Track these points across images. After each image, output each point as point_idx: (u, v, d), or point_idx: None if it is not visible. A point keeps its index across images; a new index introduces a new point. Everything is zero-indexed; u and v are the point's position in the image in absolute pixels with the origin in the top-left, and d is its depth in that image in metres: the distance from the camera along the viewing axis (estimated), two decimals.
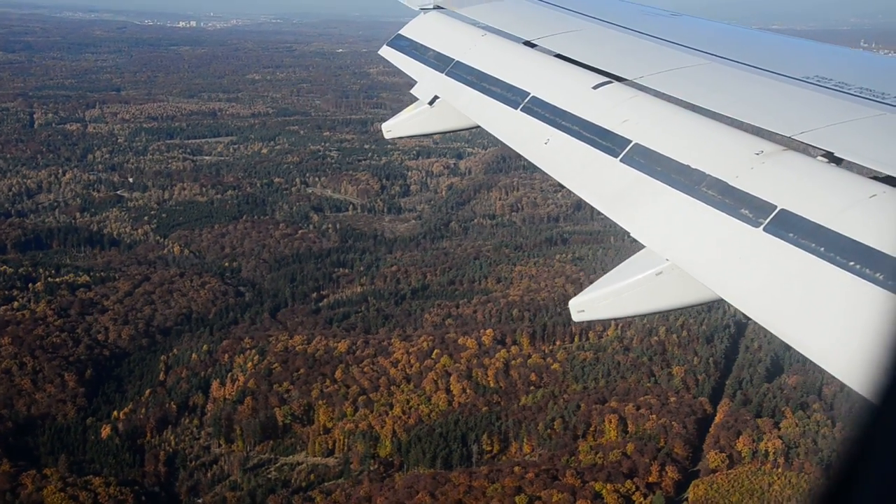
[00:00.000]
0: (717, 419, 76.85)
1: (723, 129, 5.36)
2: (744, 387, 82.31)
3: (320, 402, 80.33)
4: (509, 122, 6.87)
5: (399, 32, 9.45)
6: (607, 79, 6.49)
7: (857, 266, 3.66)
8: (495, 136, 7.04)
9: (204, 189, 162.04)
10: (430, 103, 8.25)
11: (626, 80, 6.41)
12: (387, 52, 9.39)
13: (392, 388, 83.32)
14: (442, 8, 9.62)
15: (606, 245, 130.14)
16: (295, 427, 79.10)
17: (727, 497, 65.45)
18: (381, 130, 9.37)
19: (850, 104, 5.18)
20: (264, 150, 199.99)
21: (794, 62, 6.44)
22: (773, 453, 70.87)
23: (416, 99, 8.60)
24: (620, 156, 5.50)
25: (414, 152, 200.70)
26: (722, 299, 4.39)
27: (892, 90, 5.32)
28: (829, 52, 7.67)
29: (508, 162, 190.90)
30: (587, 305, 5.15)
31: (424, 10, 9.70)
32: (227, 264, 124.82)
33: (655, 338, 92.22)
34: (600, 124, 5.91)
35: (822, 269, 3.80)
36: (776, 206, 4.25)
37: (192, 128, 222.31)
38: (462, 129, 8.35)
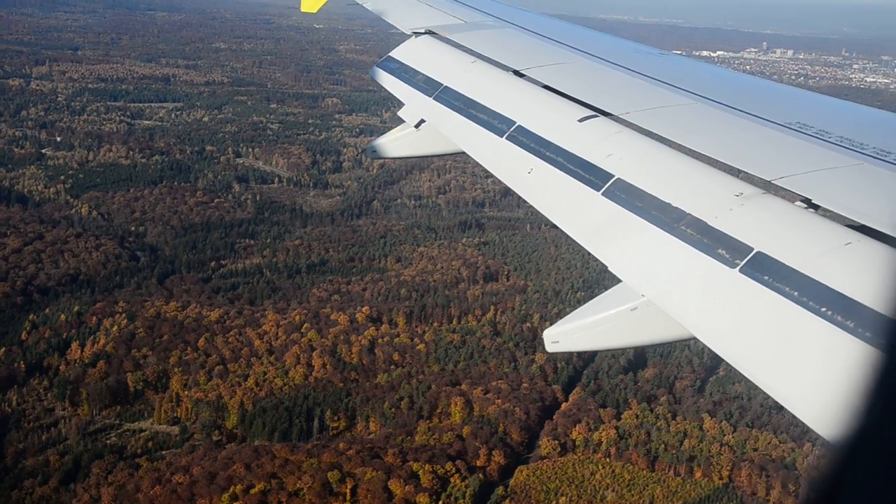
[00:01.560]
0: (563, 407, 77.18)
1: (705, 169, 5.39)
2: (600, 377, 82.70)
3: (176, 369, 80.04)
4: (494, 149, 6.88)
5: (389, 54, 9.48)
6: (593, 112, 6.56)
7: (830, 313, 3.69)
8: (479, 162, 7.06)
9: (131, 153, 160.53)
10: (417, 126, 8.29)
11: (611, 114, 6.45)
12: (376, 73, 9.41)
13: (253, 359, 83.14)
14: (434, 33, 9.64)
15: (521, 232, 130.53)
16: (148, 394, 78.76)
17: (546, 484, 65.83)
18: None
19: (830, 152, 5.27)
20: (206, 119, 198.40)
21: (778, 107, 6.51)
22: (606, 443, 71.33)
23: (402, 121, 8.66)
24: (602, 189, 5.55)
25: (357, 130, 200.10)
26: (695, 338, 4.35)
27: (870, 141, 5.42)
28: (813, 100, 7.85)
29: None
30: (562, 336, 5.24)
31: (416, 33, 9.75)
32: (132, 228, 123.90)
33: (528, 324, 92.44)
34: (584, 157, 5.96)
35: (795, 313, 3.82)
36: (753, 249, 4.28)
37: (140, 91, 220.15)
38: (447, 154, 8.31)
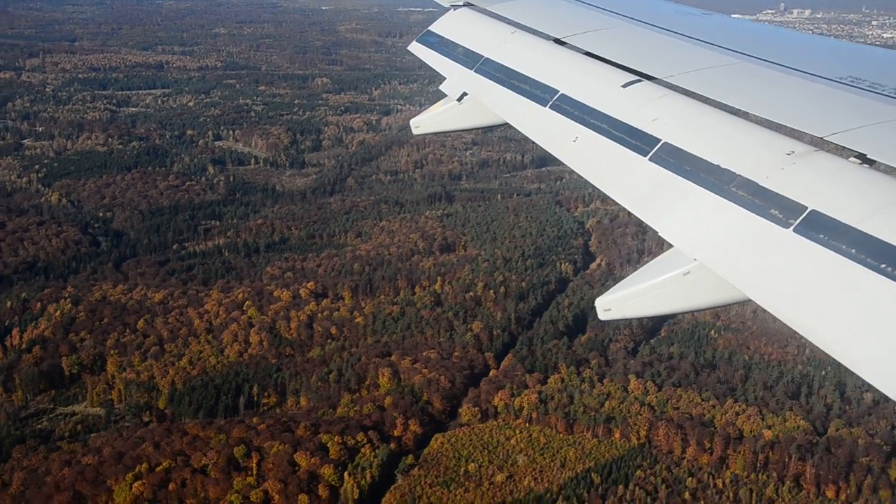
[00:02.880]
0: (491, 374, 76.98)
1: (753, 129, 5.37)
2: (534, 343, 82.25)
3: (113, 351, 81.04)
4: (538, 119, 6.91)
5: (429, 28, 9.52)
6: (637, 77, 6.52)
7: (890, 269, 3.67)
8: (524, 133, 7.07)
9: (109, 140, 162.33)
10: (459, 100, 8.25)
11: (655, 78, 6.43)
12: (416, 48, 9.40)
13: (190, 338, 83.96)
14: (472, 5, 9.64)
15: (486, 203, 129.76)
16: (84, 377, 79.84)
17: (459, 450, 65.89)
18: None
19: (885, 105, 5.18)
20: (191, 103, 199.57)
21: (827, 62, 6.43)
22: (527, 408, 71.10)
23: (444, 95, 8.63)
24: (649, 155, 5.54)
25: (342, 108, 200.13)
26: (750, 300, 4.42)
27: None
28: (863, 52, 7.73)
29: None
30: (614, 304, 5.19)
31: (455, 6, 9.73)
32: (100, 214, 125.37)
33: (471, 293, 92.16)
34: (629, 123, 5.95)
35: (852, 271, 3.81)
36: (807, 207, 4.26)
37: (130, 79, 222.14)
38: (491, 126, 8.33)
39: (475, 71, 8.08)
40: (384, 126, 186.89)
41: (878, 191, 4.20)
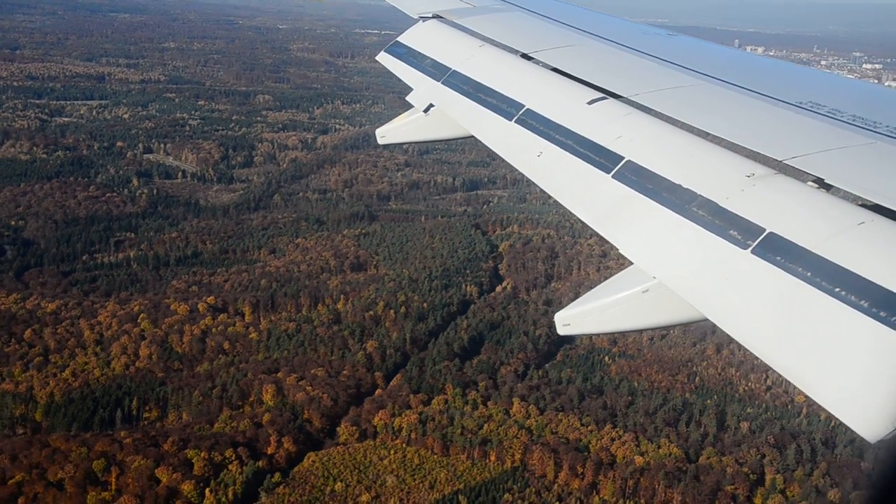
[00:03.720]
0: (376, 393, 76.44)
1: (715, 150, 5.35)
2: (425, 363, 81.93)
3: None
4: (503, 133, 6.84)
5: (397, 39, 9.40)
6: (602, 95, 6.51)
7: (843, 293, 3.66)
8: (489, 146, 6.97)
9: (34, 148, 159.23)
10: (425, 111, 8.18)
11: (621, 96, 6.40)
12: (384, 59, 9.30)
13: (77, 350, 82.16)
14: (441, 17, 9.59)
15: (405, 224, 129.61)
16: None
17: (330, 469, 65.05)
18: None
19: (842, 131, 5.24)
20: (126, 115, 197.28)
21: (789, 87, 6.46)
22: (406, 428, 70.60)
23: (411, 105, 8.56)
24: (612, 172, 5.51)
25: (279, 126, 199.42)
26: (707, 319, 4.32)
27: (883, 119, 5.39)
28: (824, 78, 7.94)
29: (370, 140, 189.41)
30: (573, 319, 5.12)
31: (423, 18, 9.68)
32: (12, 223, 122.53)
33: (371, 313, 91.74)
34: (594, 139, 5.93)
35: (807, 293, 3.79)
36: (765, 229, 4.25)
37: (68, 90, 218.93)
38: (456, 138, 8.18)
39: (442, 83, 8.12)
40: (319, 145, 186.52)
41: (834, 215, 4.23)
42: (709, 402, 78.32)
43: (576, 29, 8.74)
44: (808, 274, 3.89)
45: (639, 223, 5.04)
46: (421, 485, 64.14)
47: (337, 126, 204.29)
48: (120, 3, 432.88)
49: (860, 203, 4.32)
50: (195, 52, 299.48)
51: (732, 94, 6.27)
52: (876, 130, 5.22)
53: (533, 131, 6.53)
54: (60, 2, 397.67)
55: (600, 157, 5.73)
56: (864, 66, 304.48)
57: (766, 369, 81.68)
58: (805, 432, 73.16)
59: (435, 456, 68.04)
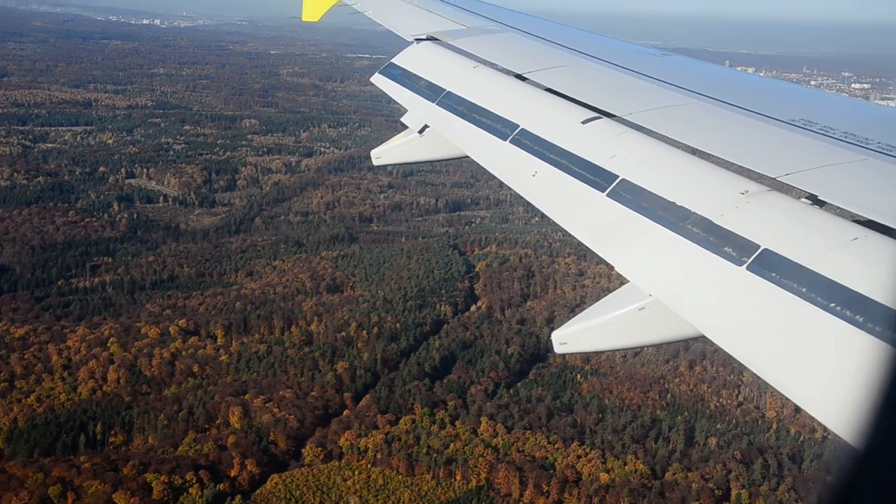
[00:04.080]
0: (344, 414, 75.96)
1: (709, 167, 5.38)
2: (395, 384, 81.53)
3: None
4: (498, 153, 6.89)
5: (392, 61, 9.48)
6: (596, 114, 6.56)
7: (839, 308, 3.69)
8: (484, 166, 7.03)
9: (15, 174, 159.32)
10: (420, 132, 8.24)
11: (615, 116, 6.46)
12: (378, 80, 9.35)
13: (44, 375, 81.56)
14: (435, 39, 9.66)
15: (389, 246, 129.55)
16: None
17: (293, 491, 64.50)
18: (369, 154, 8.83)
19: (835, 148, 5.29)
20: (111, 141, 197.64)
21: (782, 105, 6.56)
22: (372, 449, 70.11)
23: (405, 127, 8.60)
24: (607, 191, 5.55)
25: (264, 149, 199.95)
26: (703, 336, 4.34)
27: (875, 136, 5.44)
28: (816, 96, 7.88)
29: (354, 162, 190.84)
30: (569, 338, 5.15)
31: (418, 39, 9.72)
32: None
33: (343, 334, 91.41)
34: (588, 159, 5.97)
35: (803, 309, 3.83)
36: (760, 246, 4.29)
37: (53, 116, 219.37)
38: (451, 159, 8.21)
39: (437, 104, 8.16)
40: (303, 168, 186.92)
41: (828, 231, 4.26)
42: (679, 418, 77.91)
43: (570, 49, 8.80)
44: (804, 290, 3.93)
45: (634, 241, 5.07)
46: None
47: (322, 149, 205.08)
48: (112, 30, 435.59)
49: (854, 219, 4.34)
50: (184, 77, 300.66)
51: (726, 112, 6.34)
52: (867, 147, 5.27)
53: (528, 151, 6.59)
54: (52, 30, 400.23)
55: (595, 176, 5.78)
56: (852, 85, 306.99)
57: (738, 385, 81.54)
58: (773, 447, 72.74)
59: (400, 476, 67.47)
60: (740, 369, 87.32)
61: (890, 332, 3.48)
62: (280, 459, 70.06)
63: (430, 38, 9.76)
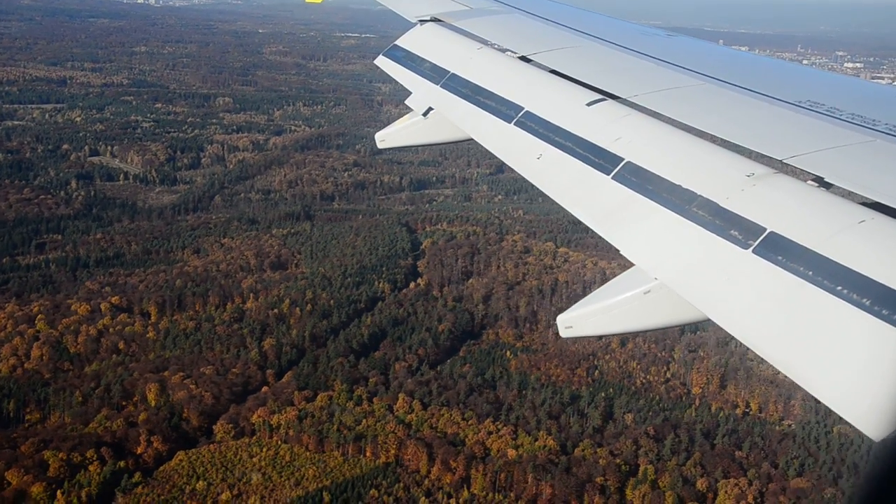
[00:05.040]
0: (262, 391, 75.45)
1: (715, 150, 5.35)
2: (320, 360, 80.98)
3: None
4: (503, 135, 6.84)
5: (395, 43, 9.38)
6: (601, 96, 6.50)
7: (845, 291, 3.68)
8: (488, 149, 6.97)
9: None
10: (425, 115, 8.17)
11: (620, 98, 6.40)
12: (382, 62, 9.26)
13: None
14: (439, 20, 9.59)
15: (344, 223, 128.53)
16: None
17: (196, 468, 64.11)
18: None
19: (841, 130, 5.24)
20: (79, 119, 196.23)
21: (788, 86, 6.45)
22: (284, 425, 69.63)
23: (410, 109, 8.55)
24: (612, 173, 5.52)
25: (234, 127, 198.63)
26: (709, 319, 4.31)
27: (882, 117, 5.39)
28: (822, 77, 7.92)
29: (323, 140, 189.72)
30: (575, 321, 5.11)
31: (422, 21, 9.63)
32: None
33: (276, 311, 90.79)
34: (593, 141, 5.93)
35: (809, 292, 3.82)
36: (766, 229, 4.27)
37: (25, 93, 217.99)
38: (455, 141, 8.16)
39: (441, 86, 8.07)
40: (271, 146, 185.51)
41: (834, 214, 4.24)
42: (602, 394, 77.34)
43: (573, 30, 8.69)
44: (810, 273, 3.89)
45: (639, 224, 5.03)
46: (287, 482, 63.16)
47: (293, 127, 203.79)
48: (102, 9, 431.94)
49: (860, 201, 4.30)
50: (165, 55, 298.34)
51: (731, 94, 6.24)
52: (875, 128, 5.19)
53: (532, 133, 6.51)
54: (41, 8, 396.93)
55: (600, 159, 5.71)
56: (845, 65, 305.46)
57: (668, 362, 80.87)
58: (688, 423, 72.18)
59: (308, 453, 67.07)
60: (672, 346, 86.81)
61: None
62: (191, 436, 69.60)
63: (434, 20, 9.65)
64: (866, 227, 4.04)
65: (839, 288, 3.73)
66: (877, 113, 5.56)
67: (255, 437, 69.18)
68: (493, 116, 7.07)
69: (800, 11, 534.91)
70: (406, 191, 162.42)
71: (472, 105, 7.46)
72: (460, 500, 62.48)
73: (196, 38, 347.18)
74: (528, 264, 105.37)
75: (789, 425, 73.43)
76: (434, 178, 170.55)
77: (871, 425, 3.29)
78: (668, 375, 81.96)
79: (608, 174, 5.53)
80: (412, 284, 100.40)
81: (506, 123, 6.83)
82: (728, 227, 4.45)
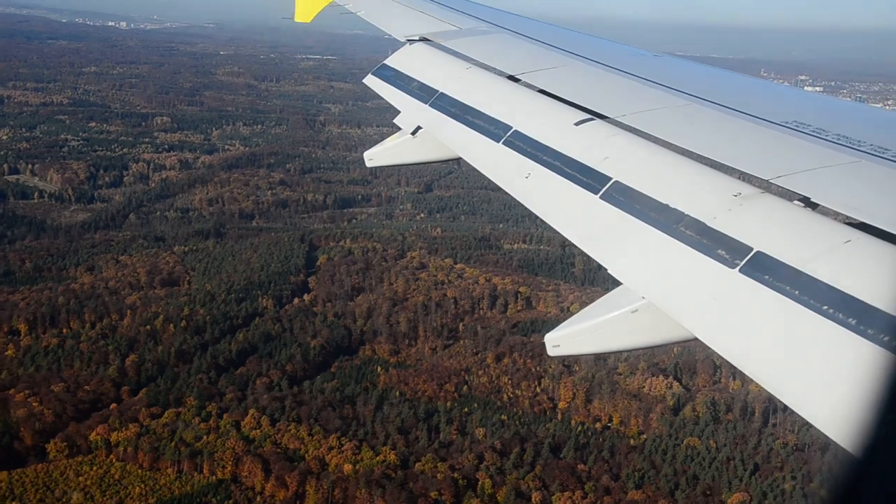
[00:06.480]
0: (111, 408, 73.36)
1: (702, 169, 5.35)
2: (180, 377, 79.13)
3: None
4: (491, 154, 6.79)
5: (384, 62, 9.39)
6: (589, 116, 6.48)
7: (832, 311, 3.72)
8: (477, 168, 6.88)
9: None
10: (413, 133, 8.11)
11: (607, 117, 6.38)
12: (371, 81, 9.22)
13: None
14: (428, 40, 9.54)
15: (249, 241, 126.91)
16: None
17: (14, 490, 62.01)
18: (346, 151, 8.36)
19: (827, 150, 5.26)
20: (5, 137, 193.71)
21: (774, 106, 6.51)
22: (123, 443, 67.62)
23: (398, 128, 8.43)
24: (600, 193, 5.52)
25: (166, 146, 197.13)
26: (696, 339, 4.35)
27: (867, 138, 5.41)
28: (808, 98, 8.01)
29: (255, 159, 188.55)
30: (563, 340, 5.09)
31: (410, 40, 9.62)
32: None
33: (148, 327, 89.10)
34: (581, 160, 5.94)
35: (796, 312, 3.84)
36: (752, 248, 4.29)
37: None
38: (444, 160, 8.12)
39: (430, 105, 8.09)
40: (199, 165, 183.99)
41: (821, 234, 4.22)
42: (465, 409, 76.01)
43: (562, 50, 8.67)
44: (796, 292, 3.88)
45: (627, 243, 5.00)
46: (109, 501, 61.00)
47: (227, 147, 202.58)
48: (63, 31, 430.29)
49: (846, 221, 4.27)
50: (114, 76, 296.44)
51: (718, 114, 6.23)
52: (860, 149, 5.19)
53: (520, 153, 6.49)
54: (1, 30, 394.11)
55: (588, 178, 5.70)
56: (805, 88, 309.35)
57: (539, 377, 79.75)
58: (541, 437, 70.97)
59: (141, 470, 65.01)
60: (549, 362, 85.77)
61: (883, 335, 3.42)
62: (21, 455, 67.21)
63: (423, 39, 9.66)
64: (852, 246, 4.02)
65: (825, 307, 3.71)
66: (862, 134, 5.53)
67: (90, 456, 67.01)
68: (481, 136, 7.06)
69: (774, 37, 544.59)
70: (329, 209, 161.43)
71: (460, 124, 7.46)
72: None
73: (153, 59, 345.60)
74: (420, 280, 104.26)
75: (645, 439, 72.35)
76: (360, 197, 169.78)
77: (855, 444, 3.22)
78: (538, 390, 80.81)
79: (596, 193, 5.49)
80: (296, 300, 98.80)
81: (494, 143, 6.81)
82: (715, 247, 4.43)
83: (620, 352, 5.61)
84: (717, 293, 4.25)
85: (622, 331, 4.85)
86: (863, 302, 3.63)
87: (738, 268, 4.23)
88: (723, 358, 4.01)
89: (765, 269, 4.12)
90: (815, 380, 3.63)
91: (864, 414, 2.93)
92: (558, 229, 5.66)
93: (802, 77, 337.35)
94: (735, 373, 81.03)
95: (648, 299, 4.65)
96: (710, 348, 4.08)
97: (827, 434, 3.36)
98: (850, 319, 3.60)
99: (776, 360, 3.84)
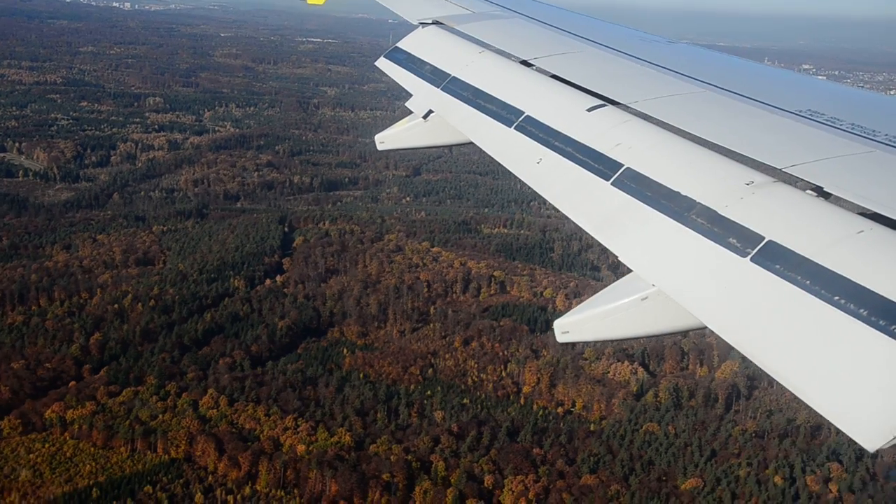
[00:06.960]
0: (69, 385, 73.01)
1: (715, 157, 5.31)
2: (143, 356, 78.67)
3: None
4: (502, 139, 6.78)
5: (396, 45, 9.35)
6: (602, 102, 6.44)
7: (843, 301, 3.71)
8: (488, 152, 6.85)
9: None
10: (425, 117, 8.09)
11: (620, 104, 6.34)
12: (383, 64, 9.16)
13: None
14: (441, 23, 9.53)
15: (228, 222, 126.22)
16: None
17: None
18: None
19: (841, 140, 5.23)
20: None
21: (788, 95, 6.47)
22: (78, 420, 67.24)
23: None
24: (612, 179, 5.51)
25: (156, 126, 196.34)
26: (706, 327, 4.35)
27: (882, 128, 5.37)
28: (823, 86, 7.92)
29: (244, 140, 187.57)
30: (572, 327, 5.08)
31: (423, 24, 9.59)
32: None
33: (116, 306, 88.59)
34: (593, 147, 5.91)
35: (807, 302, 3.83)
36: (764, 238, 4.28)
37: None
38: (455, 144, 8.03)
39: (442, 89, 8.03)
40: (187, 145, 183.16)
41: (833, 223, 4.20)
42: (428, 392, 75.43)
43: (575, 36, 8.64)
44: (808, 282, 3.87)
45: (638, 230, 4.99)
46: (58, 478, 60.65)
47: (218, 128, 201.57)
48: (66, 11, 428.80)
49: (859, 211, 4.24)
50: (110, 56, 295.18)
51: (732, 102, 6.18)
52: (874, 139, 5.15)
53: (532, 138, 6.46)
54: (2, 9, 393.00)
55: (599, 164, 5.68)
56: None
57: (506, 361, 79.09)
58: (499, 421, 70.39)
59: (94, 448, 64.60)
60: (517, 345, 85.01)
61: (894, 326, 3.38)
62: None
63: (436, 23, 9.60)
64: (865, 237, 3.99)
65: (837, 298, 3.68)
66: (877, 124, 5.46)
67: (43, 433, 66.62)
68: (493, 120, 6.99)
69: (781, 24, 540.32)
70: (315, 191, 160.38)
71: (472, 108, 7.39)
72: (238, 497, 60.17)
73: (152, 40, 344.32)
74: (395, 263, 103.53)
75: (605, 424, 71.72)
76: (347, 180, 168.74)
77: (867, 437, 3.23)
78: (504, 374, 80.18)
79: (608, 180, 5.46)
80: (268, 282, 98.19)
81: (506, 127, 6.76)
82: (726, 235, 4.40)
83: (630, 339, 5.43)
84: (727, 282, 4.22)
85: (632, 318, 4.82)
86: (875, 293, 3.58)
87: (749, 256, 4.18)
88: (706, 344, 3.43)
89: (776, 258, 4.06)
90: (826, 371, 3.57)
91: (877, 406, 2.88)
92: (569, 215, 5.61)
93: (806, 66, 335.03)
94: (702, 359, 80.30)
95: (658, 287, 4.62)
96: (718, 336, 4.04)
97: (837, 425, 3.33)
98: (862, 310, 3.56)
99: (786, 349, 3.79)
